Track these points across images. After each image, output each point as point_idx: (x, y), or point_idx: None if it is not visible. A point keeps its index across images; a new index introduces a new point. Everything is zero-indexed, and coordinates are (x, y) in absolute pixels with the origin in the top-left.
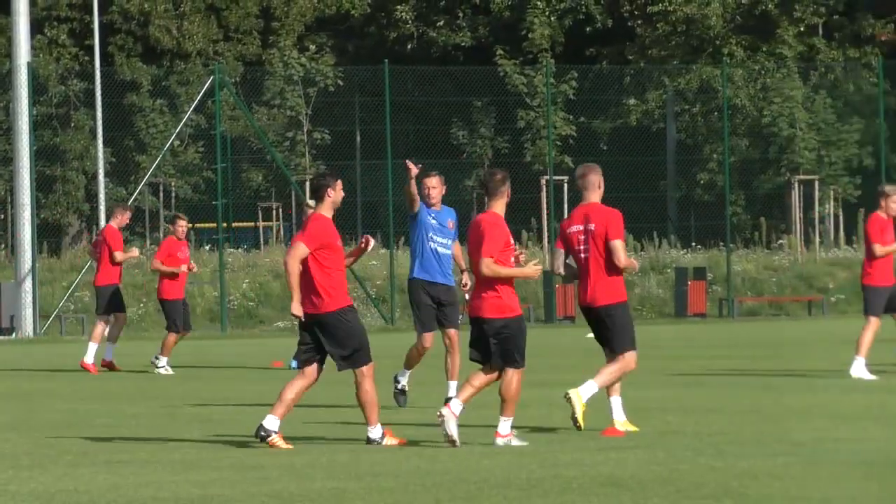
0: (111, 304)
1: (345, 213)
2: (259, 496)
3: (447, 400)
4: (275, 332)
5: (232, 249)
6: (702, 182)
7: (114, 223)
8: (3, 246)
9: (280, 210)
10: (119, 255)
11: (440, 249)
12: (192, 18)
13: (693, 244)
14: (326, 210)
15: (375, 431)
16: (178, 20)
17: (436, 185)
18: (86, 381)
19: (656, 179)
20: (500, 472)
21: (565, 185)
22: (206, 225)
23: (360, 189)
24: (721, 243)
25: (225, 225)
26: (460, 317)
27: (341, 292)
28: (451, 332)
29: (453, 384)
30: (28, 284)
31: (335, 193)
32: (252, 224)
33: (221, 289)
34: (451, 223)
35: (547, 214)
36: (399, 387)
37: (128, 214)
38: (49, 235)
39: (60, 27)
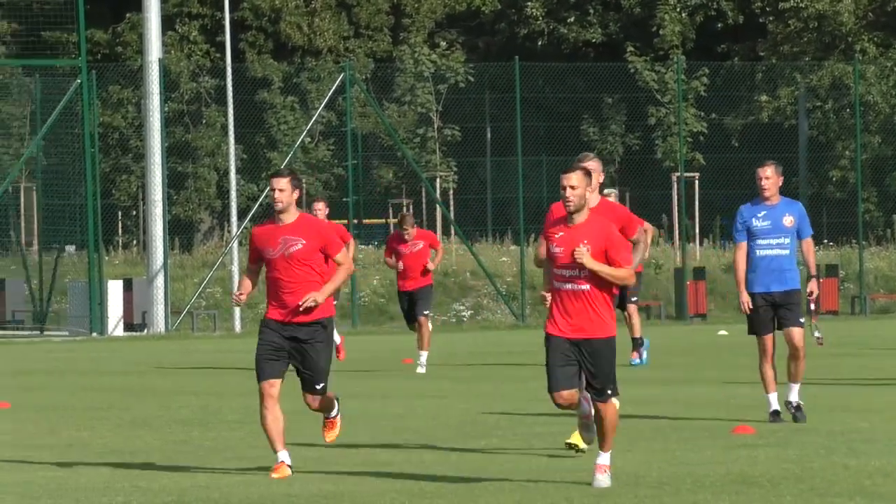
0: None
1: (475, 209)
2: (390, 493)
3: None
4: (405, 328)
5: (363, 246)
6: (834, 179)
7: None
8: (135, 242)
9: (410, 207)
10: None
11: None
12: (323, 15)
13: (825, 241)
14: None
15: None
16: (308, 17)
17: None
18: (216, 377)
19: (788, 176)
20: (629, 470)
21: (696, 181)
22: (337, 222)
23: (491, 186)
24: (853, 240)
25: (355, 221)
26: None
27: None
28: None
29: (795, 387)
30: (160, 281)
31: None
32: (382, 221)
33: (352, 285)
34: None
35: (678, 211)
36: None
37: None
38: (180, 232)
39: (192, 24)
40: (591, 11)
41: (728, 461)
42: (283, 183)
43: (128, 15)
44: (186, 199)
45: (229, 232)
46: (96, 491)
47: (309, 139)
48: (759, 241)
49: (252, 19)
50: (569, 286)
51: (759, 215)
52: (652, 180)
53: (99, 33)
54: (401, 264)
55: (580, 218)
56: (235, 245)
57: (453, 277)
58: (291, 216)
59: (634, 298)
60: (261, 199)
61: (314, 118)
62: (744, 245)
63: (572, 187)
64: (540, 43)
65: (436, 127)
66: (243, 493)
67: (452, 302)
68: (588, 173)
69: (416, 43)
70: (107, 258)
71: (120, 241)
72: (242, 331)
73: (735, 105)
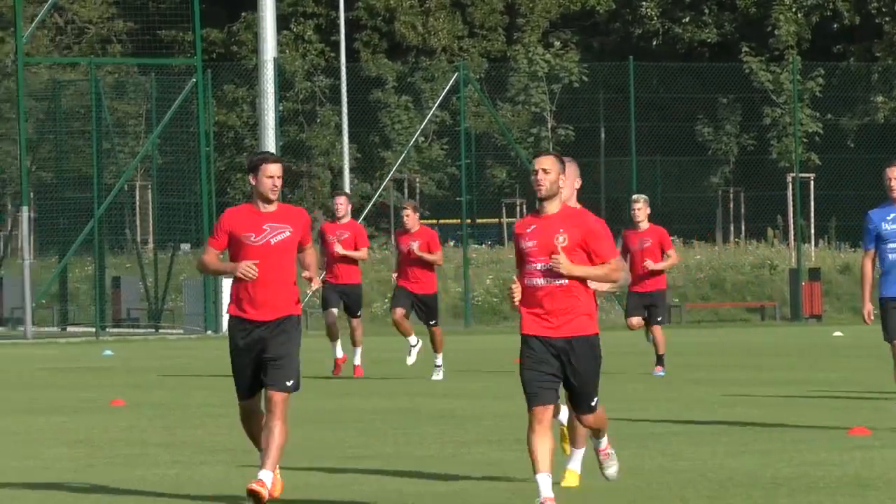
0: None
1: (588, 209)
2: (505, 492)
3: None
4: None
5: (476, 245)
6: None
7: None
8: None
9: (524, 206)
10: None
11: None
12: (438, 15)
13: None
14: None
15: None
16: (423, 16)
17: None
18: (326, 374)
19: None
20: (744, 470)
21: (811, 182)
22: (451, 221)
23: (604, 186)
24: None
25: (469, 221)
26: None
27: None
28: None
29: None
30: None
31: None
32: (496, 220)
33: (465, 284)
34: None
35: (793, 212)
36: None
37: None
38: None
39: (307, 23)
40: (706, 11)
41: (843, 462)
42: (281, 170)
43: (243, 14)
44: (300, 198)
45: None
46: (211, 489)
47: (422, 138)
48: (891, 245)
49: (367, 19)
50: (543, 281)
51: (889, 218)
52: (767, 181)
53: (214, 32)
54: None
55: (552, 208)
56: None
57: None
58: (275, 204)
59: (660, 318)
60: (374, 198)
61: (428, 117)
62: (871, 252)
63: (545, 171)
64: (654, 43)
65: (549, 126)
66: (364, 491)
67: None
68: (562, 161)
69: (531, 42)
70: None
71: None
72: None
73: (851, 106)
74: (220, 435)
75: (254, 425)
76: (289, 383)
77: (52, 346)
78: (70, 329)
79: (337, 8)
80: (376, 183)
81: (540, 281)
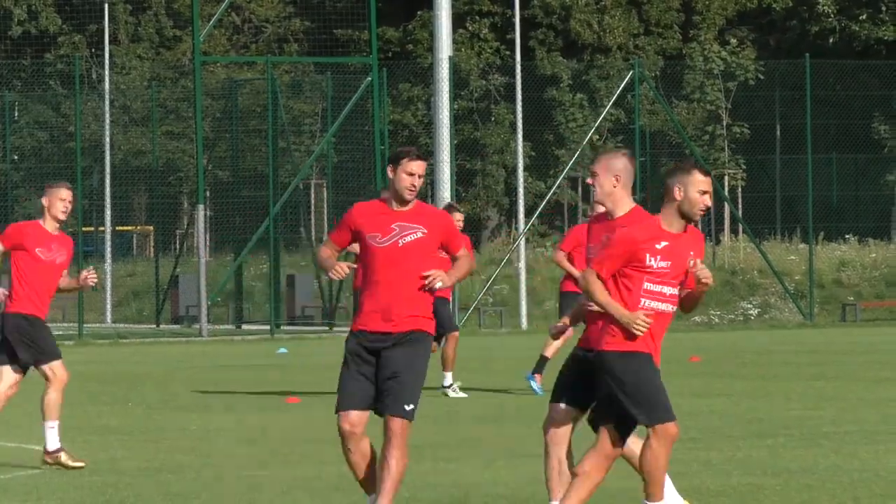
0: None
1: (763, 207)
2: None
3: None
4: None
5: None
6: None
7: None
8: None
9: None
10: None
11: None
12: (613, 12)
13: None
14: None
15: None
16: (598, 14)
17: None
18: (502, 374)
19: None
20: None
21: None
22: None
23: (780, 183)
24: None
25: None
26: None
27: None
28: None
29: None
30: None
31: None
32: None
33: None
34: None
35: None
36: None
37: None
38: (469, 229)
39: (482, 21)
40: (884, 8)
41: None
42: (423, 169)
43: (419, 13)
44: (475, 197)
45: (516, 229)
46: None
47: (597, 136)
48: None
49: (542, 17)
50: (665, 307)
51: None
52: None
53: (390, 31)
54: None
55: (678, 224)
56: (522, 242)
57: (741, 275)
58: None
59: None
60: (548, 196)
61: (602, 115)
62: None
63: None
64: (831, 40)
65: (724, 124)
66: (527, 489)
67: (740, 300)
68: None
69: (707, 40)
70: None
71: None
72: (528, 327)
73: None
74: None
75: (349, 452)
76: (408, 407)
77: (227, 344)
78: (245, 327)
79: (512, 6)
80: (550, 181)
81: (663, 307)
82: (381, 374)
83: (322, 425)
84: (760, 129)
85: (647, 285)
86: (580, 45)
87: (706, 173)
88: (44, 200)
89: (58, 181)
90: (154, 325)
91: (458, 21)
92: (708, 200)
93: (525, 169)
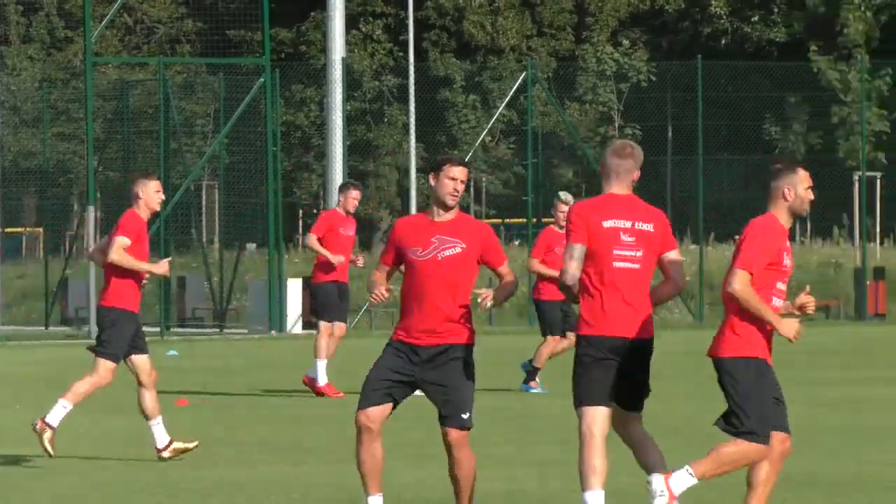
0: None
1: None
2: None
3: None
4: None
5: None
6: None
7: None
8: None
9: None
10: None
11: None
12: (506, 14)
13: None
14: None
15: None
16: (492, 16)
17: None
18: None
19: None
20: None
21: (878, 181)
22: (516, 220)
23: (671, 185)
24: None
25: (535, 220)
26: None
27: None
28: None
29: None
30: None
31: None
32: None
33: (530, 284)
34: None
35: (859, 211)
36: None
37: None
38: (360, 231)
39: (375, 23)
40: (775, 10)
41: None
42: (465, 175)
43: (312, 14)
44: (367, 198)
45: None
46: (274, 488)
47: (490, 138)
48: None
49: (435, 18)
50: (781, 304)
51: None
52: (833, 180)
53: (283, 32)
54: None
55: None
56: None
57: None
58: (453, 213)
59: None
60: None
61: (495, 117)
62: None
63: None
64: (723, 42)
65: (617, 126)
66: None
67: None
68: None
69: (599, 42)
70: (286, 256)
71: (300, 239)
72: None
73: None
74: (286, 434)
75: (361, 449)
76: (464, 416)
77: None
78: None
79: (406, 7)
80: None
81: (780, 303)
82: (431, 391)
83: (210, 427)
84: (652, 130)
85: (779, 284)
86: (473, 47)
87: (807, 169)
88: None
89: None
90: (43, 328)
91: (351, 22)
92: (812, 195)
93: (418, 170)
